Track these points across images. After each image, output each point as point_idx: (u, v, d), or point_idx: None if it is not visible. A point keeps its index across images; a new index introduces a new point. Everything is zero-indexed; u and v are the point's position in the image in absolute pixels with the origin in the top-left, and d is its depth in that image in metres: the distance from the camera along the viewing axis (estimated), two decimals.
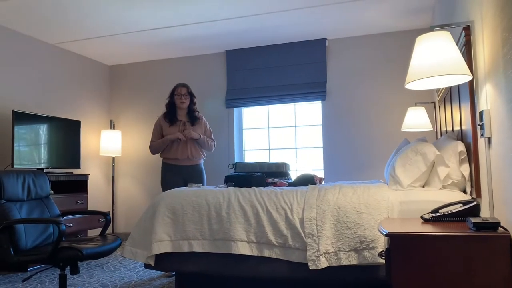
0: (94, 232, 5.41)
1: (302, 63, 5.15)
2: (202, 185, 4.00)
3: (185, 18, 4.35)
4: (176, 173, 3.97)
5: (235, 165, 3.80)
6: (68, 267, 2.76)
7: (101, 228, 4.64)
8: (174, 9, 4.12)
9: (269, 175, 3.63)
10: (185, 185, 4.01)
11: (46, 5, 3.93)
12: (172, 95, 4.00)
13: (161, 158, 4.15)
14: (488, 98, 1.96)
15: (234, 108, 5.47)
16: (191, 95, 4.02)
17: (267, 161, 5.33)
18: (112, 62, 5.92)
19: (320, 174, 5.15)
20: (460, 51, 2.40)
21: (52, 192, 4.39)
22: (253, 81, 5.33)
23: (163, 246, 2.73)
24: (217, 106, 5.51)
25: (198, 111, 4.09)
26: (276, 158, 5.46)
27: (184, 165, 3.97)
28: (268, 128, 5.51)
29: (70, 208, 4.47)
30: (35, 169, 3.06)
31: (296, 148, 5.38)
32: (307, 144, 5.35)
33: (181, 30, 4.72)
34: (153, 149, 3.99)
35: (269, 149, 5.50)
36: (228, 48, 5.40)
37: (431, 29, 2.08)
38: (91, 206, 5.49)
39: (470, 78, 1.89)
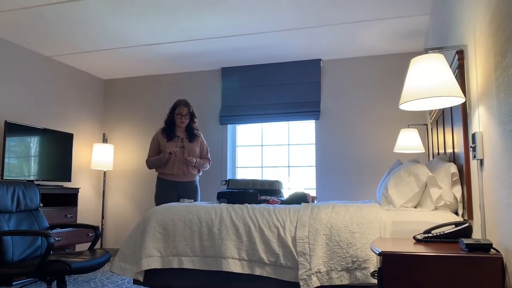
0: (82, 247, 5.33)
1: (297, 83, 5.20)
2: (194, 201, 3.98)
3: (182, 34, 4.39)
4: (171, 188, 3.95)
5: (227, 182, 3.78)
6: (55, 282, 2.70)
7: (90, 243, 4.57)
8: (171, 25, 4.16)
9: (261, 192, 3.62)
10: (179, 200, 3.99)
11: (42, 17, 3.95)
12: (172, 112, 4.00)
13: (156, 173, 4.14)
14: (480, 120, 1.98)
15: (228, 125, 5.48)
16: (192, 115, 4.03)
17: (260, 178, 5.32)
18: (107, 76, 5.93)
19: (313, 193, 5.15)
20: (454, 74, 2.44)
21: (41, 204, 4.33)
22: (247, 99, 5.36)
23: (153, 262, 2.69)
24: (211, 122, 5.51)
25: (197, 129, 4.11)
26: (268, 175, 5.46)
27: (180, 181, 3.96)
28: (262, 145, 5.52)
29: (60, 221, 4.41)
30: (25, 181, 3.02)
31: (289, 166, 5.39)
32: (300, 162, 5.36)
33: (177, 46, 4.75)
34: (149, 164, 3.99)
35: (262, 166, 5.49)
36: (224, 66, 5.44)
37: (425, 51, 2.12)
38: (80, 220, 5.42)
39: (463, 100, 1.92)
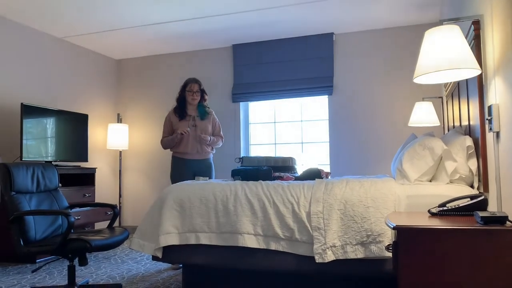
0: (101, 225, 5.46)
1: (309, 58, 5.14)
2: (209, 178, 4.02)
3: (192, 12, 4.35)
4: (185, 167, 4.00)
5: (241, 159, 3.81)
6: (77, 259, 2.79)
7: (109, 221, 4.68)
8: (181, 3, 4.12)
9: (275, 169, 3.64)
10: (194, 178, 4.04)
11: None
12: (183, 90, 4.03)
13: (170, 152, 4.19)
14: (497, 92, 1.95)
15: (241, 103, 5.48)
16: (203, 92, 4.05)
17: (273, 155, 5.34)
18: (119, 56, 5.93)
19: (326, 168, 5.15)
20: (469, 45, 2.39)
21: (60, 185, 4.43)
22: (259, 76, 5.33)
23: (171, 238, 2.75)
24: (223, 100, 5.51)
25: (208, 107, 4.12)
26: (282, 152, 5.47)
27: (194, 159, 4.00)
28: (275, 122, 5.52)
29: (78, 200, 4.51)
30: (44, 162, 3.09)
31: (302, 143, 5.39)
32: (313, 139, 5.35)
33: (188, 24, 4.72)
34: (164, 144, 4.04)
35: (275, 143, 5.50)
36: (235, 43, 5.40)
37: (440, 23, 2.07)
38: (98, 199, 5.53)
39: (479, 72, 1.88)
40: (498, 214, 1.63)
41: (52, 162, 4.54)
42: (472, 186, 2.52)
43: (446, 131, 4.18)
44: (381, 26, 4.87)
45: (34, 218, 2.67)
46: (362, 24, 4.77)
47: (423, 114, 4.00)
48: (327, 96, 5.12)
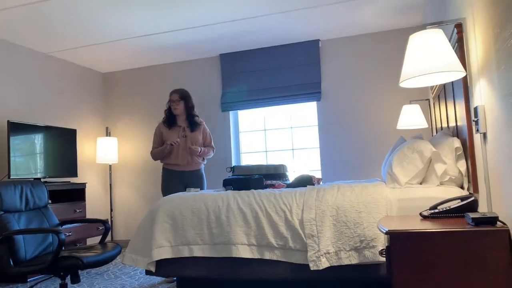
0: (93, 240, 5.39)
1: (296, 65, 5.17)
2: (201, 189, 4.00)
3: (177, 23, 4.36)
4: (176, 178, 3.97)
5: (233, 168, 3.80)
6: (69, 276, 2.75)
7: (101, 236, 4.63)
8: (165, 15, 4.13)
9: (267, 177, 3.64)
10: (185, 190, 4.01)
11: (36, 15, 3.93)
12: (169, 101, 4.04)
13: (161, 164, 4.16)
14: (482, 94, 1.97)
15: (230, 111, 5.48)
16: (185, 99, 4.00)
17: (264, 163, 5.34)
18: (106, 69, 5.91)
19: (318, 174, 5.16)
20: (453, 48, 2.42)
21: (50, 201, 4.37)
22: (248, 84, 5.34)
23: (164, 252, 2.73)
24: (213, 109, 5.51)
25: (197, 116, 4.09)
26: (273, 160, 5.47)
27: (185, 170, 3.98)
28: (265, 130, 5.52)
29: (69, 217, 4.45)
30: (32, 179, 3.05)
31: (293, 149, 5.39)
32: (303, 145, 5.36)
33: (173, 36, 4.72)
34: (154, 156, 4.01)
35: (266, 151, 5.50)
36: (222, 52, 5.41)
37: (423, 27, 2.09)
38: (89, 214, 5.47)
39: (463, 74, 1.90)
40: (488, 215, 1.65)
41: (42, 179, 4.49)
42: (462, 187, 2.54)
43: (435, 133, 4.21)
44: (366, 31, 4.92)
45: (24, 237, 2.63)
46: (347, 29, 4.82)
47: (411, 117, 4.03)
48: (315, 102, 5.14)
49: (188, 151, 3.95)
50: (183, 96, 4.01)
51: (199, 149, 3.95)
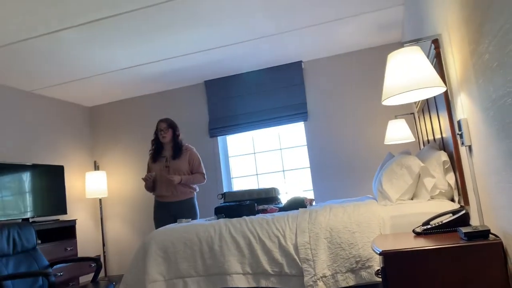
0: (86, 278, 5.27)
1: (281, 87, 5.20)
2: (192, 219, 3.95)
3: (160, 54, 4.38)
4: (165, 210, 3.93)
5: (224, 195, 3.77)
6: None
7: (93, 273, 4.52)
8: (147, 47, 4.15)
9: (259, 201, 3.61)
10: (176, 221, 3.96)
11: (17, 54, 3.92)
12: (156, 131, 4.04)
13: (152, 196, 4.13)
14: (464, 107, 1.99)
15: (218, 137, 5.47)
16: (172, 128, 4.00)
17: (256, 187, 5.31)
18: (91, 103, 5.89)
19: (310, 194, 5.14)
20: (432, 64, 2.45)
21: (39, 241, 4.28)
22: (234, 109, 5.35)
23: (157, 286, 2.67)
24: (200, 136, 5.50)
25: (182, 144, 4.05)
26: (264, 182, 5.44)
27: (172, 201, 3.94)
28: (254, 153, 5.51)
29: (59, 256, 4.35)
30: (20, 220, 2.99)
31: (283, 170, 5.38)
32: (294, 165, 5.35)
33: (157, 66, 4.74)
34: (145, 188, 4.02)
35: (257, 174, 5.48)
36: (207, 79, 5.44)
37: (401, 45, 2.13)
38: (81, 251, 5.36)
39: (444, 89, 1.92)
40: (480, 228, 1.64)
41: (30, 219, 4.40)
42: (453, 200, 2.54)
43: (422, 146, 4.24)
44: (346, 50, 4.99)
45: (13, 282, 2.56)
46: (328, 49, 4.88)
47: (397, 132, 4.06)
48: (303, 122, 5.16)
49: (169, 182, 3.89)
50: (171, 124, 4.01)
51: (176, 179, 3.82)
